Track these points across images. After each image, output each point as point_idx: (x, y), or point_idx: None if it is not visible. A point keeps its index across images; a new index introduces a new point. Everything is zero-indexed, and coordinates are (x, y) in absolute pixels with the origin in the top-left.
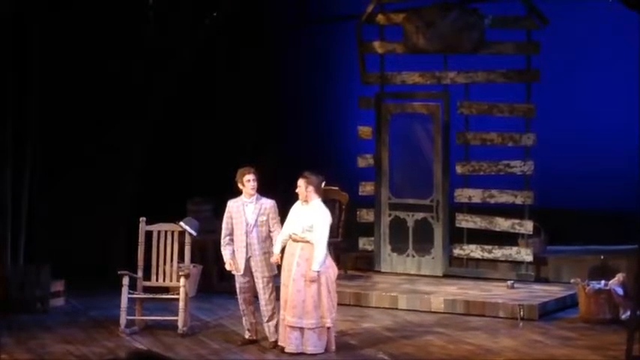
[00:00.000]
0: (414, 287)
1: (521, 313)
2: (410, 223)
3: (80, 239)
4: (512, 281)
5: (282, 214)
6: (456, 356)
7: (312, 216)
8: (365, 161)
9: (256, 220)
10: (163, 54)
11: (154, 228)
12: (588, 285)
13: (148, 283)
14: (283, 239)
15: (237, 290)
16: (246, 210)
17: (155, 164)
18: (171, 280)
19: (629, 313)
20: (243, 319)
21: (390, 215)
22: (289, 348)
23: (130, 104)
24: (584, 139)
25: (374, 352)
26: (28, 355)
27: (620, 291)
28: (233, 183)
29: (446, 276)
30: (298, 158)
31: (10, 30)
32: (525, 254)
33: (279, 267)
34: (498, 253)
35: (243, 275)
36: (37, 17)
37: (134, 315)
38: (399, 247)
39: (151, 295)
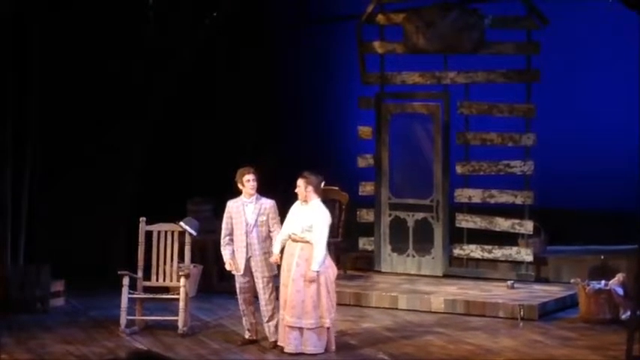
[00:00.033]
0: (414, 287)
1: (521, 313)
2: (410, 223)
3: (80, 239)
4: (512, 281)
5: (282, 214)
6: (456, 356)
7: (311, 216)
8: (365, 161)
9: (256, 220)
10: (163, 54)
11: (154, 228)
12: (588, 285)
13: (148, 283)
14: (283, 239)
15: (237, 290)
16: (246, 210)
17: (155, 164)
18: (171, 280)
19: (629, 313)
20: (243, 319)
21: (390, 215)
22: (288, 348)
23: (130, 104)
24: (584, 139)
25: (374, 352)
26: (28, 355)
27: (620, 291)
28: (233, 183)
29: (446, 276)
30: (298, 158)
31: (10, 30)
32: (525, 254)
33: (278, 267)
34: (498, 253)
35: (243, 275)
36: (37, 17)
37: (134, 315)
38: (399, 247)
39: (151, 295)
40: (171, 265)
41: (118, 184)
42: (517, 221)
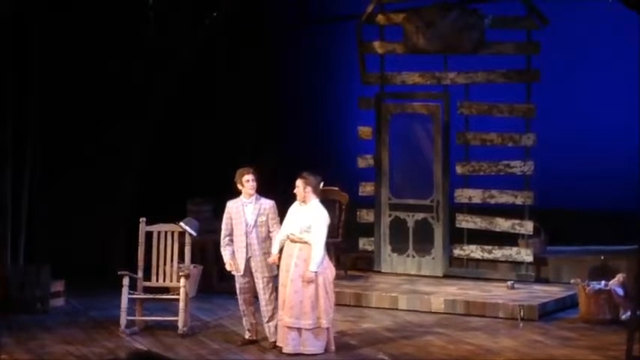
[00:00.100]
0: (414, 287)
1: (522, 313)
2: (410, 224)
3: (80, 239)
4: (512, 281)
5: (282, 214)
6: (456, 356)
7: (310, 216)
8: (365, 161)
9: (256, 221)
10: (163, 54)
11: (154, 228)
12: (588, 285)
13: (148, 284)
14: (281, 240)
15: (237, 290)
16: (245, 210)
17: (155, 164)
18: (171, 281)
19: (629, 313)
20: (244, 319)
21: (390, 215)
22: (287, 349)
23: (130, 104)
24: (584, 139)
25: (374, 352)
26: (28, 355)
27: (620, 291)
28: (233, 183)
29: (446, 276)
30: (298, 158)
31: (10, 30)
32: (525, 254)
33: (278, 267)
34: (498, 253)
35: (243, 276)
36: (37, 17)
37: (134, 315)
38: (399, 247)
39: (151, 296)
40: (172, 266)
41: (118, 184)
42: (517, 221)
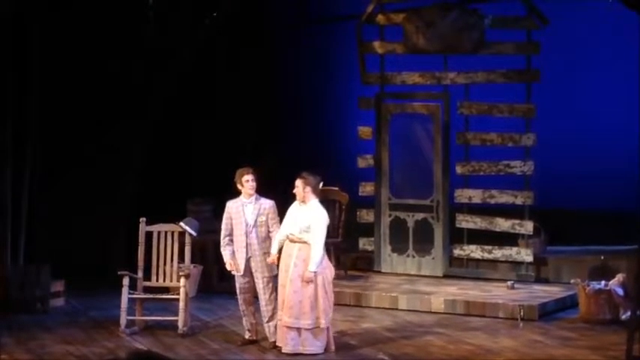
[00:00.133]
0: (414, 287)
1: (522, 313)
2: (410, 224)
3: (80, 239)
4: (512, 281)
5: (282, 214)
6: (456, 356)
7: (309, 216)
8: (365, 161)
9: (256, 221)
10: (163, 54)
11: (154, 228)
12: (588, 285)
13: (148, 284)
14: (280, 240)
15: (237, 290)
16: (245, 210)
17: (155, 164)
18: (171, 281)
19: (629, 313)
20: (244, 319)
21: (390, 215)
22: (286, 349)
23: (130, 104)
24: (584, 139)
25: (374, 352)
26: (28, 355)
27: (620, 291)
28: (233, 183)
29: (446, 276)
30: (298, 158)
31: (10, 30)
32: (525, 254)
33: (277, 267)
34: (498, 253)
35: (243, 275)
36: (37, 17)
37: (134, 315)
38: (399, 247)
39: (151, 296)
40: (172, 266)
41: (118, 184)
42: (517, 221)
